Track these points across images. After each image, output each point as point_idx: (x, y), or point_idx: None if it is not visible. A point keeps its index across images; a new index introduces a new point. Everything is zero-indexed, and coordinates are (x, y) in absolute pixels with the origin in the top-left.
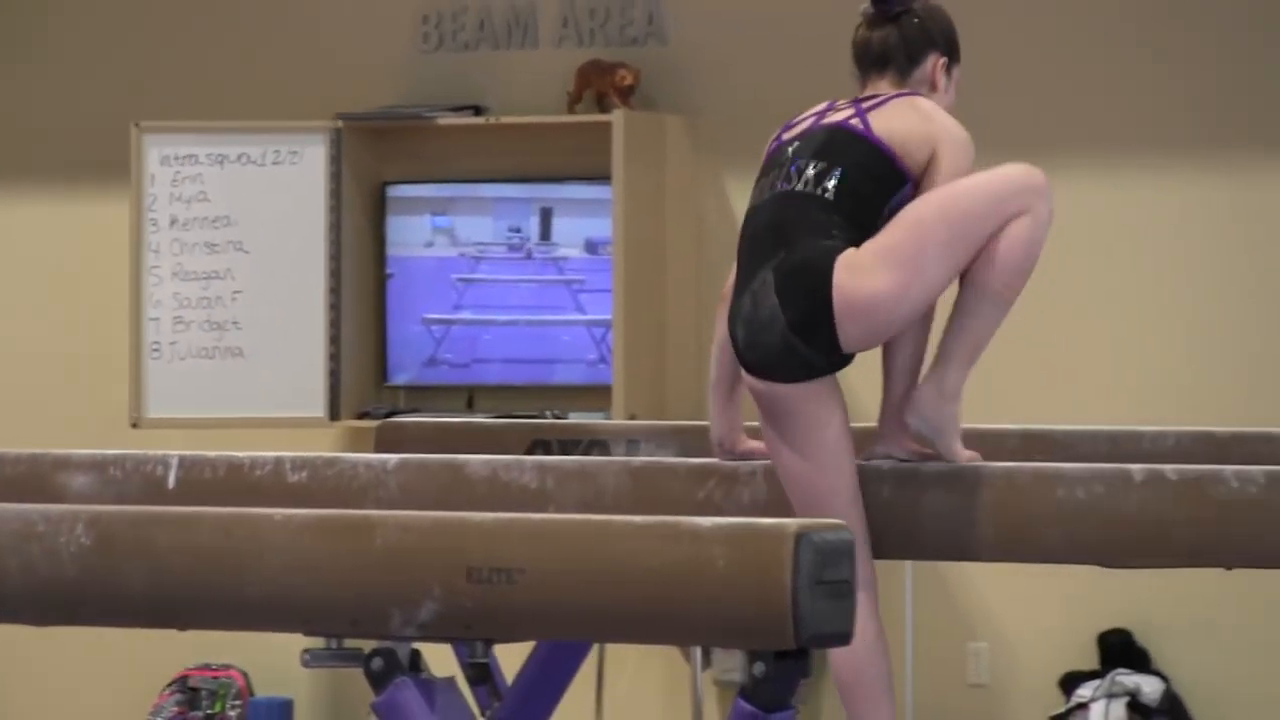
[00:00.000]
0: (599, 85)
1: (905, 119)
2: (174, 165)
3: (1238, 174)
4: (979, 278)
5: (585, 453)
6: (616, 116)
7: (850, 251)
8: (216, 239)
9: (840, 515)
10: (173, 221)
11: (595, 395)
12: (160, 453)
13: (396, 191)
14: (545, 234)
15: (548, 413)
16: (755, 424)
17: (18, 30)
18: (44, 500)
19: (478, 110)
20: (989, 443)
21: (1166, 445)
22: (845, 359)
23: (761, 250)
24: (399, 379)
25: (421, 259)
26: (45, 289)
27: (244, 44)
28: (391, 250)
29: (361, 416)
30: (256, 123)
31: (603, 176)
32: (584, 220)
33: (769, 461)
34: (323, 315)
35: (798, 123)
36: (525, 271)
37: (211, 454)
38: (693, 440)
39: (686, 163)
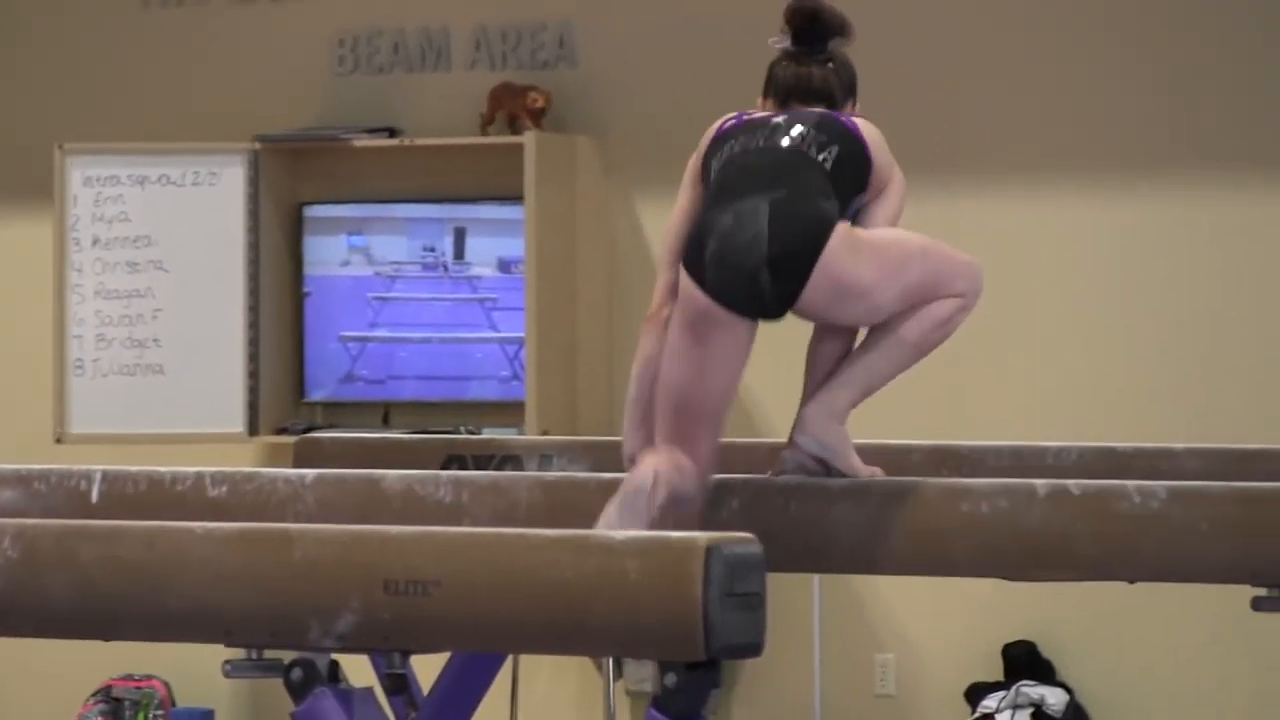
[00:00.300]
0: (511, 107)
1: (877, 138)
2: (96, 186)
3: (1146, 193)
4: (902, 327)
5: (499, 468)
6: (528, 138)
7: (849, 226)
8: (138, 258)
9: (706, 431)
10: (95, 241)
11: (509, 411)
12: (84, 468)
13: (313, 211)
14: (459, 253)
15: (462, 428)
16: None
17: None
18: None
19: (392, 132)
20: (895, 457)
21: (1070, 460)
22: (781, 314)
23: (758, 181)
24: (316, 395)
25: (338, 278)
26: None
27: (164, 67)
28: (309, 269)
29: (280, 432)
30: (177, 144)
31: (515, 197)
32: (497, 239)
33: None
34: (242, 333)
35: (757, 113)
36: (440, 290)
37: (134, 469)
38: (604, 456)
39: (597, 183)
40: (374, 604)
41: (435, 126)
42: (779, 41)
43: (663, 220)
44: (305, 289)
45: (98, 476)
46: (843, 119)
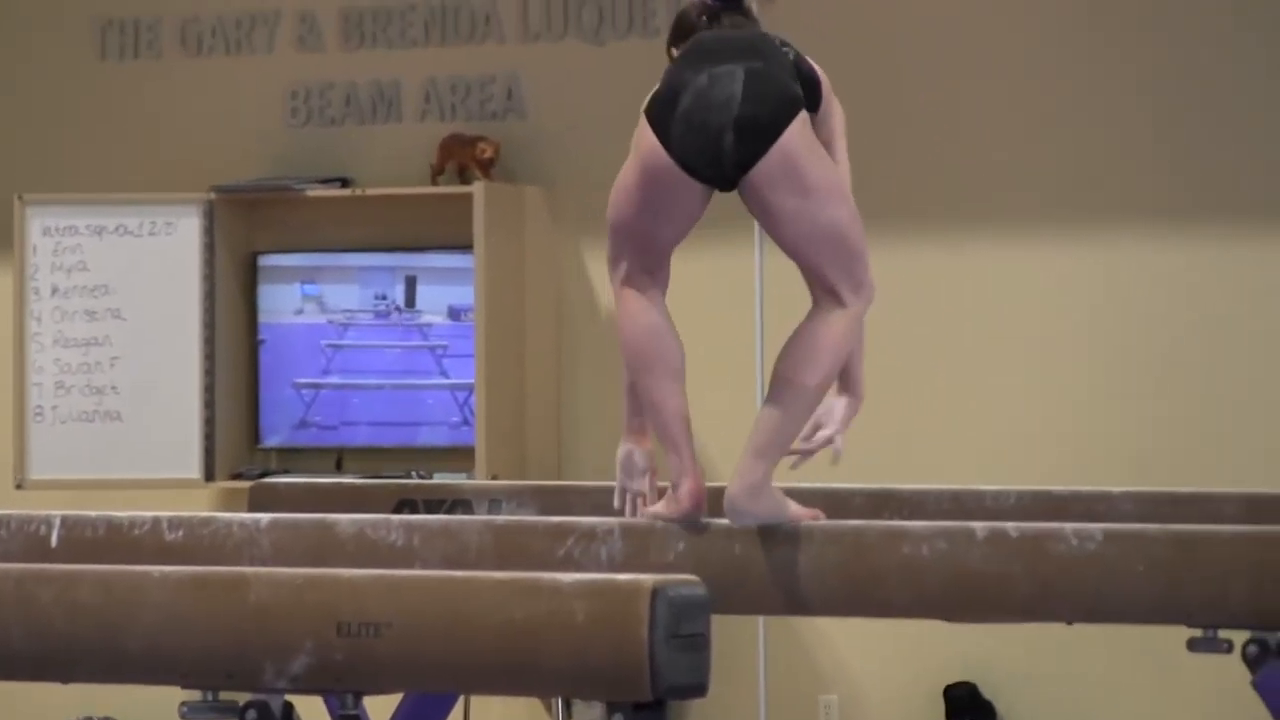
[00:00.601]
0: (460, 158)
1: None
2: (55, 236)
3: (1086, 244)
4: (799, 376)
5: (449, 511)
6: (477, 188)
7: (807, 116)
8: (96, 307)
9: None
10: (54, 290)
11: (459, 456)
12: (43, 513)
13: (267, 260)
14: (410, 301)
15: (413, 473)
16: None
17: None
18: None
19: (345, 182)
20: (837, 501)
21: (1008, 504)
22: (734, 184)
23: (732, 50)
24: (271, 441)
25: (292, 325)
26: None
27: (121, 118)
28: (263, 317)
29: (235, 477)
30: (133, 195)
31: (465, 246)
32: (447, 288)
33: (625, 520)
34: (198, 380)
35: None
36: (391, 337)
37: (92, 514)
38: (552, 500)
39: (545, 232)
40: (327, 645)
41: (387, 176)
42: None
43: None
44: (260, 336)
45: (57, 521)
46: (787, 43)
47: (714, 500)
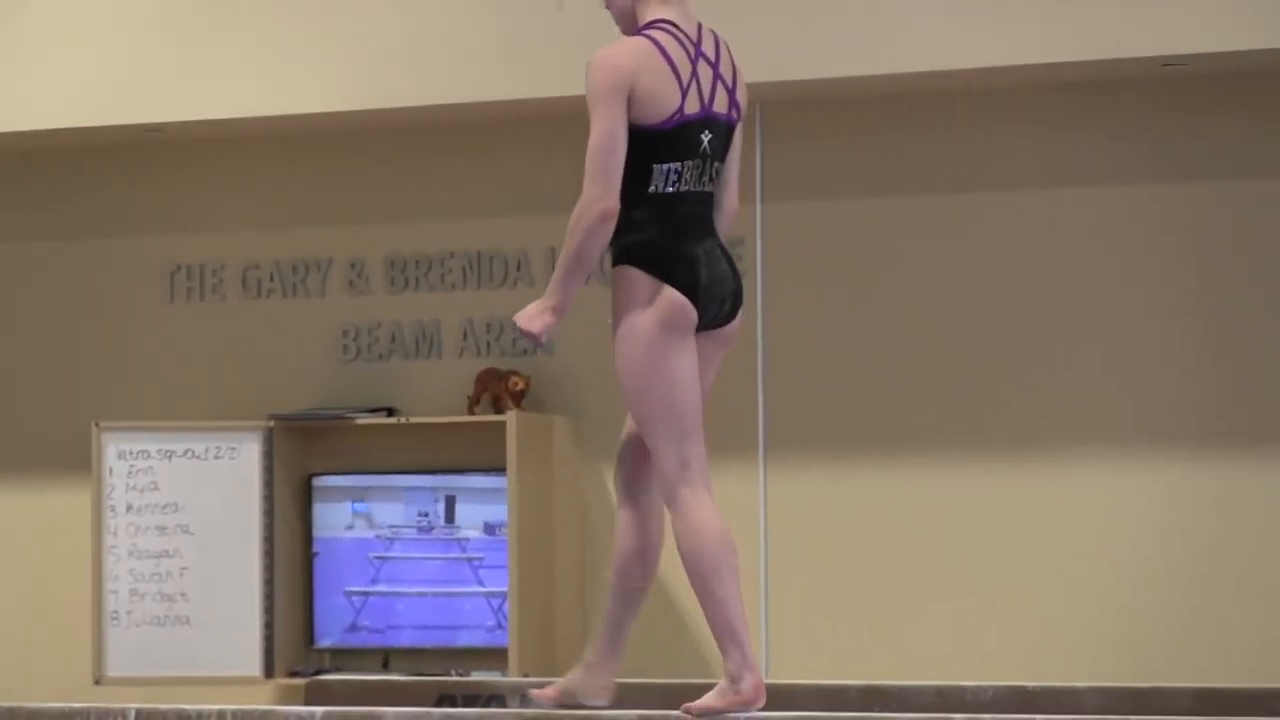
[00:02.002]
0: (495, 390)
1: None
2: (129, 459)
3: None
4: (629, 579)
5: (485, 705)
6: (510, 417)
7: None
8: (166, 522)
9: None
10: (128, 507)
11: (493, 656)
12: (120, 706)
13: (321, 481)
14: (450, 517)
15: (453, 671)
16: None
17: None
18: None
19: (390, 411)
20: (833, 695)
21: (986, 698)
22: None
23: (701, 227)
24: (324, 642)
25: (343, 539)
26: (19, 567)
27: (188, 354)
28: (317, 531)
29: (292, 675)
30: (200, 423)
31: (499, 468)
32: (483, 506)
33: (645, 712)
34: (258, 588)
35: (700, 83)
36: (433, 550)
37: (164, 707)
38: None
39: (571, 457)
40: None
41: (428, 406)
42: None
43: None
44: (314, 549)
45: (132, 714)
46: (735, 125)
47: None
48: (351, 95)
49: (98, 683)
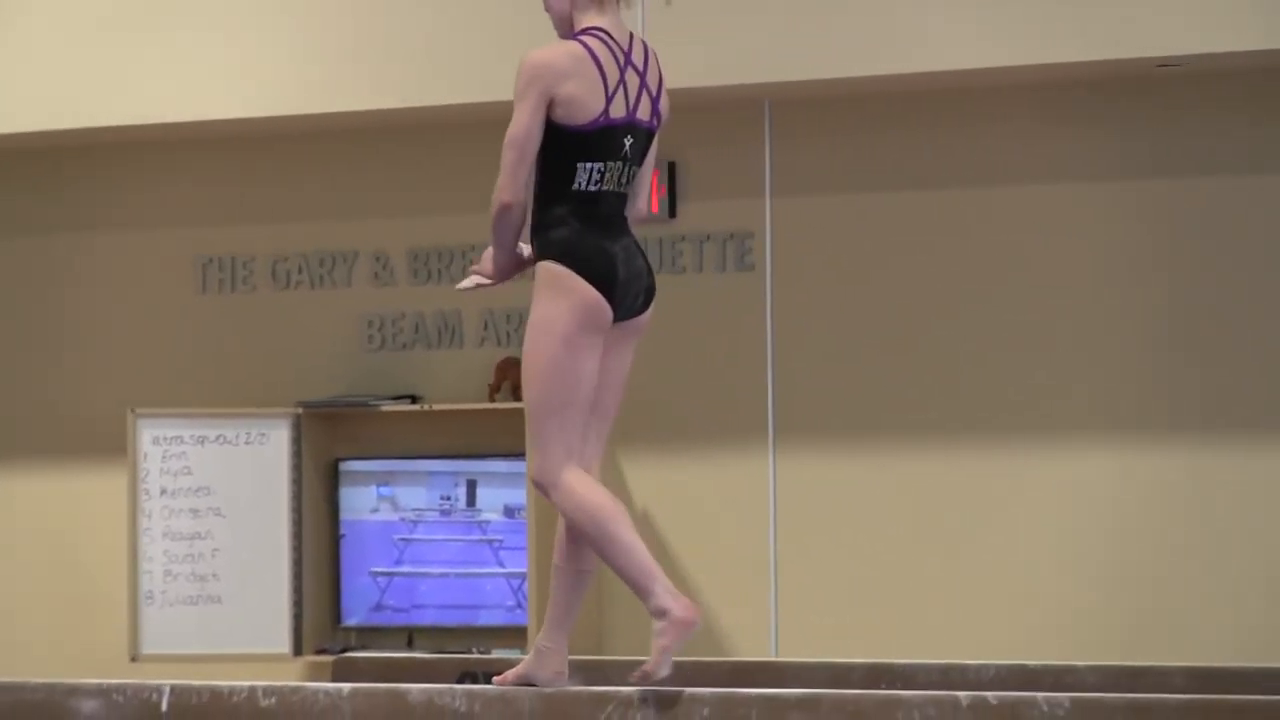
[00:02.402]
0: (515, 378)
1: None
2: (163, 444)
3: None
4: (575, 564)
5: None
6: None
7: None
8: (199, 505)
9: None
10: (162, 491)
11: (513, 635)
12: (155, 682)
13: (347, 466)
14: (471, 501)
15: (474, 649)
16: None
17: (36, 333)
18: None
19: (414, 399)
20: (840, 674)
21: (988, 676)
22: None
23: (619, 225)
24: (351, 621)
25: (368, 522)
26: (58, 549)
27: (219, 343)
28: (343, 514)
29: (320, 653)
30: (231, 409)
31: (518, 454)
32: (503, 490)
33: (660, 689)
34: (287, 569)
35: (627, 90)
36: (454, 532)
37: (197, 683)
38: (593, 672)
39: None
40: None
41: (450, 394)
42: None
43: (646, 475)
44: (341, 531)
45: (166, 690)
46: (655, 131)
47: (741, 672)
48: (376, 94)
49: (133, 660)
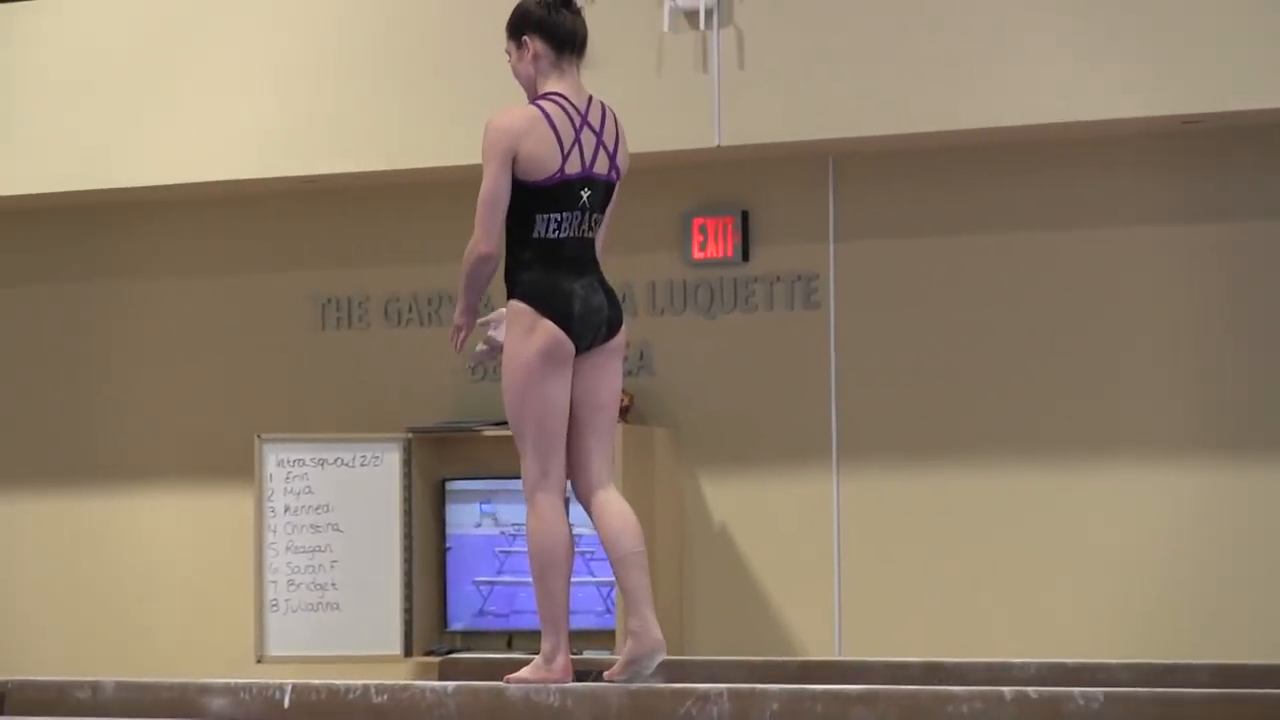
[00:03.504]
0: None
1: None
2: (287, 466)
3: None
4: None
5: (595, 680)
6: (616, 429)
7: None
8: (319, 522)
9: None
10: (286, 509)
11: (603, 637)
12: (278, 681)
13: (453, 485)
14: None
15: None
16: None
17: (174, 366)
18: (191, 718)
19: None
20: (896, 671)
21: (1030, 673)
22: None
23: (582, 266)
24: (456, 626)
25: (472, 535)
26: (192, 562)
27: (337, 375)
28: (450, 529)
29: (428, 654)
30: (348, 434)
31: None
32: None
33: (733, 686)
34: (399, 578)
35: (583, 148)
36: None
37: (316, 682)
38: (675, 670)
39: (670, 463)
40: None
41: None
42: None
43: (723, 492)
44: (447, 544)
45: (289, 688)
46: (614, 183)
47: (807, 670)
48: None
49: (259, 661)
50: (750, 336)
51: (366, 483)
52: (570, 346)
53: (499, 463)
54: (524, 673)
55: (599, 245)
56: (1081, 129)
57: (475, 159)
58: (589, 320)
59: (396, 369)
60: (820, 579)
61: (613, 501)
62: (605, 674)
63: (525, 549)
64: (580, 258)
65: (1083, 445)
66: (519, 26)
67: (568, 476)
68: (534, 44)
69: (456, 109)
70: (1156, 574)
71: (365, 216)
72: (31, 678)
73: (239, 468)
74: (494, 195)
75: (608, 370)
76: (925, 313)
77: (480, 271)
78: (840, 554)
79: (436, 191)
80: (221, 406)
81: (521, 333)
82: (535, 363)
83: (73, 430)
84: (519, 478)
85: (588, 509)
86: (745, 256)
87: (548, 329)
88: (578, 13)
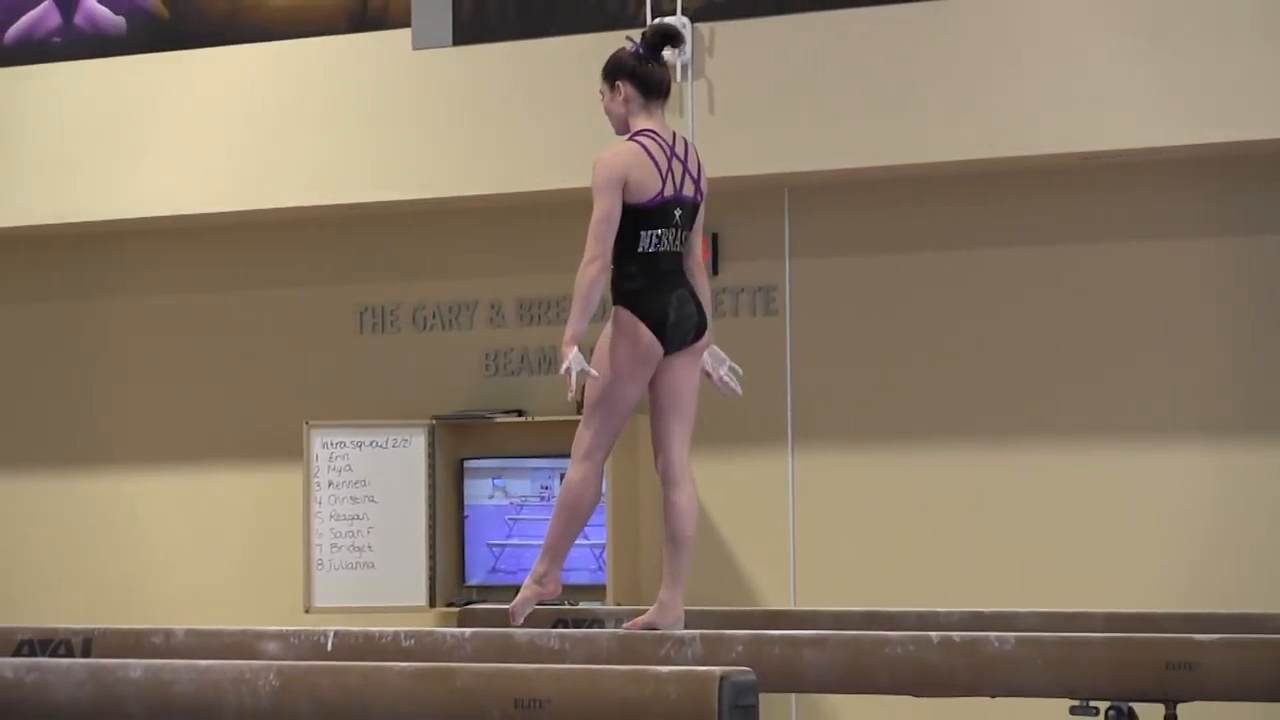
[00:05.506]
0: None
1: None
2: (330, 448)
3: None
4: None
5: (589, 626)
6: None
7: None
8: (357, 494)
9: (624, 412)
10: (329, 484)
11: (596, 591)
12: (322, 628)
13: (470, 464)
14: None
15: (565, 602)
16: None
17: (234, 364)
18: (249, 658)
19: (520, 413)
20: (842, 619)
21: (953, 620)
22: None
23: (675, 279)
24: (473, 581)
25: (486, 506)
26: (251, 530)
27: (373, 371)
28: (467, 500)
29: (449, 605)
30: (381, 421)
31: None
32: None
33: (705, 631)
34: (424, 542)
35: (674, 174)
36: (550, 514)
37: (354, 629)
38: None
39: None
40: (508, 716)
41: (549, 409)
42: (633, 48)
43: (695, 470)
44: (465, 513)
45: (331, 634)
46: (700, 205)
47: (767, 618)
48: (496, 181)
49: (307, 611)
50: (720, 338)
51: (397, 462)
52: (660, 350)
53: (509, 445)
54: (522, 594)
55: (695, 258)
56: (991, 164)
57: (492, 189)
58: (681, 327)
59: (423, 366)
60: (778, 542)
61: (686, 486)
62: (625, 624)
63: (535, 513)
64: (674, 270)
65: (1000, 427)
66: (614, 73)
67: (653, 453)
68: (625, 89)
69: (477, 147)
70: (1061, 542)
71: (398, 238)
72: (114, 625)
73: (290, 450)
74: (608, 216)
75: (691, 368)
76: (867, 318)
77: (599, 282)
78: (794, 521)
79: (458, 217)
80: (276, 398)
81: (620, 333)
82: (626, 361)
83: (158, 419)
84: (527, 457)
85: (664, 483)
86: (715, 270)
87: (645, 335)
88: (664, 64)
